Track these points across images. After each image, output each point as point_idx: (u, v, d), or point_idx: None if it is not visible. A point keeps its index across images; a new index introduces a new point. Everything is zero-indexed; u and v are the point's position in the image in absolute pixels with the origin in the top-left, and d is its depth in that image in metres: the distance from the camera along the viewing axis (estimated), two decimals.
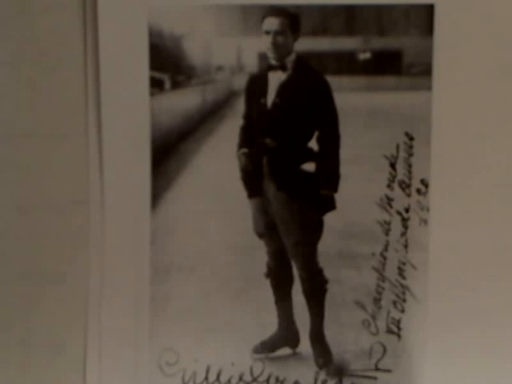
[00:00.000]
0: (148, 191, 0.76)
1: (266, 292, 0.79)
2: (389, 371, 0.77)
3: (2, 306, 0.78)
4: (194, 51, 0.76)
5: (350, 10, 0.74)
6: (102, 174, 0.76)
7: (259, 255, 0.79)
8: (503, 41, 0.73)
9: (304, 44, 0.75)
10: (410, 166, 0.75)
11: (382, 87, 0.76)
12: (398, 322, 0.77)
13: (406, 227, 0.76)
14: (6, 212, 0.77)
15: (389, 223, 0.76)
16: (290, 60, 0.77)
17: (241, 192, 0.77)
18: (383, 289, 0.77)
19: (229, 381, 0.78)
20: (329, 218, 0.77)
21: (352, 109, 0.76)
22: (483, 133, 0.74)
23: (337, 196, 0.77)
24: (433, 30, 0.73)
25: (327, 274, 0.78)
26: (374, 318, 0.77)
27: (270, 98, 0.78)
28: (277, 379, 0.78)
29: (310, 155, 0.78)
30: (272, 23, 0.75)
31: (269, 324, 0.79)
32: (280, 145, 0.78)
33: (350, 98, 0.76)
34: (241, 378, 0.78)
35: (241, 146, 0.78)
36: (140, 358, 0.77)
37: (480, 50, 0.73)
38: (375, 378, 0.77)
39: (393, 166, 0.76)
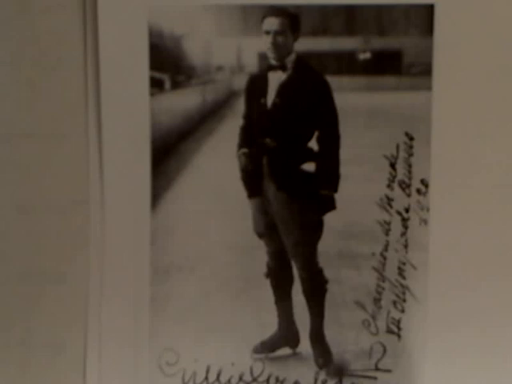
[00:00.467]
0: (148, 191, 0.76)
1: (265, 292, 0.79)
2: (389, 371, 0.77)
3: (2, 305, 0.78)
4: (194, 51, 0.76)
5: (350, 9, 0.74)
6: (101, 174, 0.76)
7: (259, 255, 0.79)
8: (503, 41, 0.73)
9: (304, 44, 0.75)
10: (409, 166, 0.75)
11: (382, 87, 0.76)
12: (398, 322, 0.77)
13: (406, 227, 0.76)
14: (5, 212, 0.77)
15: (389, 223, 0.76)
16: (289, 60, 0.77)
17: (241, 192, 0.77)
18: (383, 289, 0.77)
19: (229, 381, 0.78)
20: (329, 218, 0.77)
21: (352, 109, 0.76)
22: (483, 133, 0.74)
23: (337, 196, 0.77)
24: (433, 30, 0.73)
25: (327, 273, 0.78)
26: (374, 317, 0.77)
27: (270, 98, 0.78)
28: (277, 379, 0.78)
29: (310, 155, 0.78)
30: (272, 23, 0.75)
31: (269, 324, 0.79)
32: (280, 145, 0.78)
33: (350, 98, 0.76)
34: (241, 378, 0.78)
35: (241, 146, 0.78)
36: (140, 358, 0.77)
37: (480, 50, 0.73)
38: (375, 378, 0.77)
39: (393, 166, 0.76)
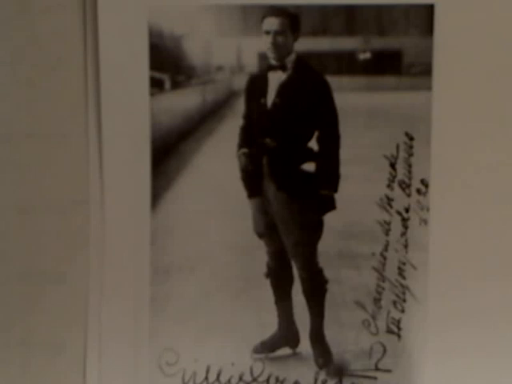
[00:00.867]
0: (148, 191, 0.76)
1: (266, 292, 0.79)
2: (389, 371, 0.77)
3: (2, 306, 0.78)
4: (194, 51, 0.76)
5: (350, 9, 0.74)
6: (101, 174, 0.76)
7: (259, 255, 0.79)
8: (503, 41, 0.73)
9: (304, 44, 0.75)
10: (410, 166, 0.75)
11: (382, 87, 0.76)
12: (398, 322, 0.77)
13: (406, 227, 0.76)
14: (5, 212, 0.77)
15: (389, 223, 0.76)
16: (289, 60, 0.77)
17: (241, 192, 0.77)
18: (383, 289, 0.77)
19: (229, 381, 0.78)
20: (329, 218, 0.77)
21: (352, 109, 0.76)
22: (483, 133, 0.74)
23: (337, 196, 0.77)
24: (433, 30, 0.73)
25: (327, 273, 0.78)
26: (374, 317, 0.77)
27: (270, 97, 0.78)
28: (277, 379, 0.78)
29: (310, 155, 0.78)
30: (272, 23, 0.75)
31: (269, 324, 0.79)
32: (280, 145, 0.78)
33: (350, 98, 0.76)
34: (241, 378, 0.78)
35: (241, 145, 0.78)
36: (140, 358, 0.77)
37: (480, 50, 0.73)
38: (375, 378, 0.77)
39: (393, 166, 0.76)
